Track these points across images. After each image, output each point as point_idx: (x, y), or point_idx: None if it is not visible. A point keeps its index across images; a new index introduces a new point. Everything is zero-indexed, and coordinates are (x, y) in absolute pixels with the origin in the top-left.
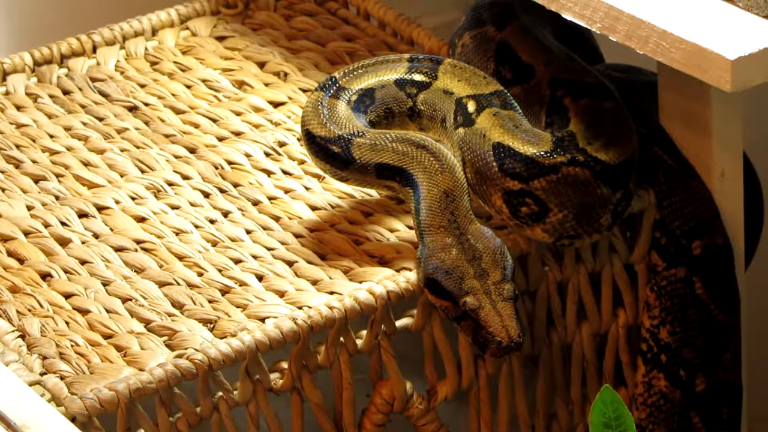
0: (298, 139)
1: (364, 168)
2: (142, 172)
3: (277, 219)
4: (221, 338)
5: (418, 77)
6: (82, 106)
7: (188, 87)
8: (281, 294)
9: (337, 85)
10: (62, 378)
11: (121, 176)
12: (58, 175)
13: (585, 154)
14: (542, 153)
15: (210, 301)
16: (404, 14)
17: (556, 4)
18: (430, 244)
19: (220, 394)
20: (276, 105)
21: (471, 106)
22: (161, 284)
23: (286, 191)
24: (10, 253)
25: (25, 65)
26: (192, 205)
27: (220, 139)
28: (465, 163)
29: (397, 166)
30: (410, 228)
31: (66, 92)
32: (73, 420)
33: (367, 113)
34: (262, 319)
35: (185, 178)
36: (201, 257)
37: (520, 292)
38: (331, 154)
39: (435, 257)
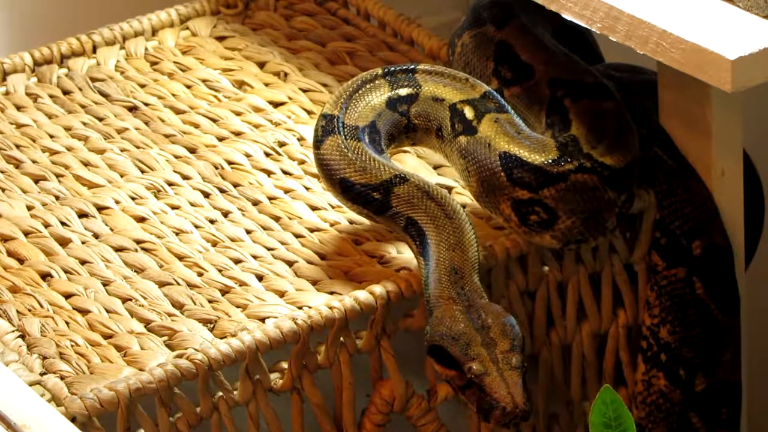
0: (299, 139)
1: (395, 217)
2: (142, 172)
3: (277, 219)
4: (221, 338)
5: (404, 92)
6: (82, 106)
7: (188, 87)
8: (281, 294)
9: (343, 123)
10: (62, 378)
11: (121, 176)
12: (58, 175)
13: (591, 159)
14: (550, 161)
15: (210, 301)
16: (404, 14)
17: (556, 4)
18: (438, 315)
19: (220, 394)
20: (276, 105)
21: (469, 113)
22: (161, 284)
23: (286, 191)
24: (10, 253)
25: (25, 65)
26: (192, 205)
27: (220, 139)
28: (469, 172)
29: (423, 230)
30: None
31: (66, 92)
32: (73, 420)
33: (379, 144)
34: (262, 319)
35: (185, 178)
36: (201, 257)
37: (522, 292)
38: (370, 199)
39: (442, 325)
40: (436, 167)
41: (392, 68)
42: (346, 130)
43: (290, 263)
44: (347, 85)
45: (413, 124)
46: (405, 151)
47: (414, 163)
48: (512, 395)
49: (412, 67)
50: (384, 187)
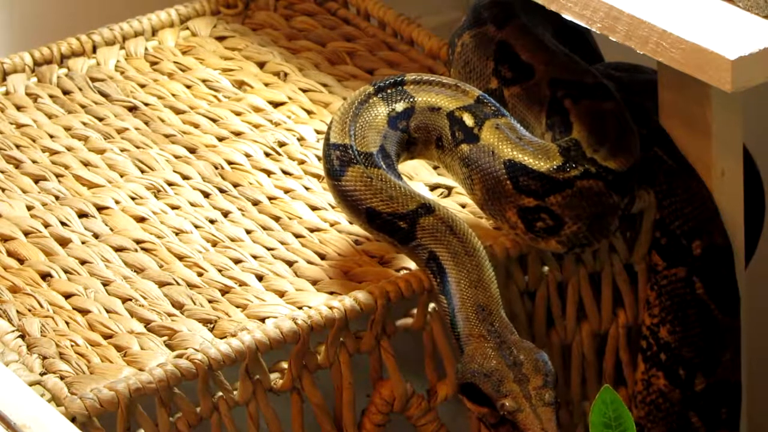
0: (299, 139)
1: (418, 248)
2: (142, 172)
3: (277, 219)
4: (221, 338)
5: (400, 107)
6: (82, 106)
7: (188, 87)
8: (281, 294)
9: (359, 151)
10: (62, 378)
11: (121, 176)
12: (58, 175)
13: (595, 164)
14: (555, 168)
15: (210, 301)
16: (404, 14)
17: (556, 4)
18: (469, 352)
19: (220, 394)
20: (276, 105)
21: (468, 120)
22: (161, 284)
23: (286, 191)
24: (10, 253)
25: (25, 65)
26: (192, 205)
27: (220, 139)
28: (473, 180)
29: (444, 266)
30: None
31: (66, 92)
32: (73, 420)
33: (395, 169)
34: (262, 319)
35: (185, 178)
36: (201, 257)
37: (522, 292)
38: (396, 228)
39: (474, 363)
40: (436, 167)
41: (381, 84)
42: (362, 158)
43: (290, 263)
44: (345, 109)
45: (413, 138)
46: None
47: (413, 162)
48: (546, 431)
49: (400, 79)
50: (410, 216)
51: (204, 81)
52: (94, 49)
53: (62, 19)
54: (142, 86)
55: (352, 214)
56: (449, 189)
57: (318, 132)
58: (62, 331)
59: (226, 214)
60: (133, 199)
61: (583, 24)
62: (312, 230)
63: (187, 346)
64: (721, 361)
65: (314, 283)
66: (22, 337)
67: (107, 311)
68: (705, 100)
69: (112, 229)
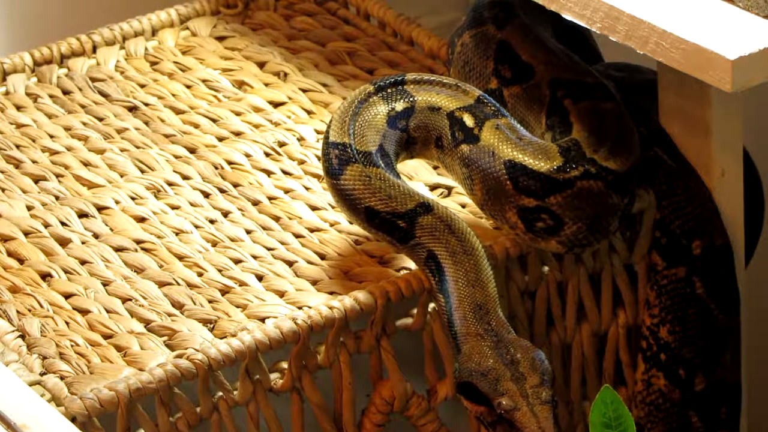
0: (299, 139)
1: (417, 247)
2: (142, 172)
3: (277, 219)
4: (221, 338)
5: (400, 107)
6: (82, 106)
7: (188, 87)
8: (281, 294)
9: (357, 150)
10: (62, 378)
11: (121, 176)
12: (58, 175)
13: (595, 164)
14: (555, 168)
15: (210, 301)
16: (404, 14)
17: (556, 4)
18: (466, 351)
19: (220, 394)
20: (276, 105)
21: (469, 121)
22: (161, 284)
23: (286, 191)
24: (10, 253)
25: (25, 65)
26: (192, 205)
27: (220, 139)
28: (473, 180)
29: (442, 265)
30: None
31: (66, 92)
32: (73, 420)
33: (393, 168)
34: (262, 319)
35: (185, 178)
36: (201, 257)
37: (522, 292)
38: (395, 227)
39: (471, 361)
40: (436, 167)
41: (382, 83)
42: (361, 157)
43: (290, 263)
44: (345, 108)
45: (413, 137)
46: None
47: (413, 162)
48: (543, 430)
49: (401, 78)
50: (409, 215)
51: (204, 81)
52: (94, 49)
53: (62, 19)
54: (142, 86)
55: (350, 213)
56: (449, 189)
57: (318, 132)
58: (62, 331)
59: (226, 214)
60: (133, 199)
61: (583, 24)
62: (312, 230)
63: (187, 346)
64: (721, 361)
65: (314, 283)
66: (22, 337)
67: (107, 311)
68: (705, 100)
69: (112, 229)
